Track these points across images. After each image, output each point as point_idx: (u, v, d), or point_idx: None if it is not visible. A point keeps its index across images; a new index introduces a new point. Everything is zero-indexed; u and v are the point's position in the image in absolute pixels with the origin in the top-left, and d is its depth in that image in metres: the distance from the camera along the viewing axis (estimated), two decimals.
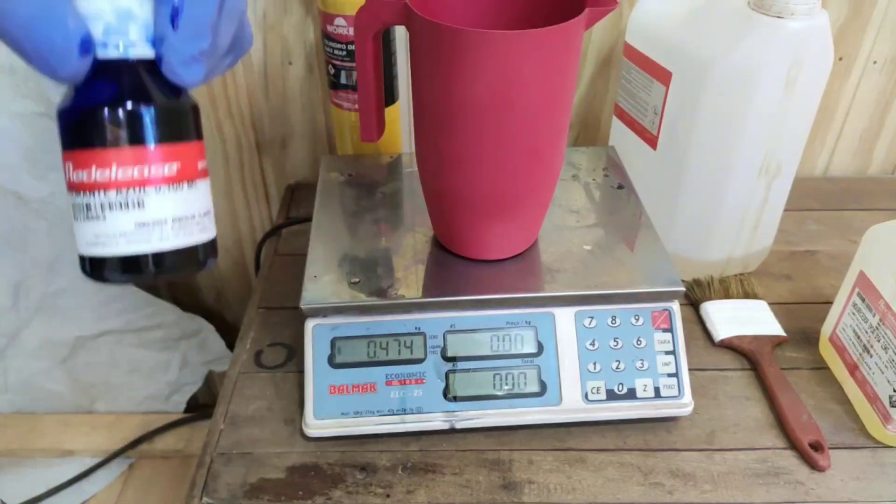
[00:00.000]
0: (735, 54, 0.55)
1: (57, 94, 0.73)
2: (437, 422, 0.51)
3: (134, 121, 0.26)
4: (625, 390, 0.52)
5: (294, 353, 0.59)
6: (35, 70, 0.25)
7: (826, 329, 0.59)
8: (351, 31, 0.62)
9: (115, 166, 0.26)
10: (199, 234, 0.28)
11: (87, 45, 0.26)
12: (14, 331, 0.90)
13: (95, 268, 0.27)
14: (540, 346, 0.52)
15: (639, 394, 0.52)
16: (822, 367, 0.58)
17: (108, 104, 0.26)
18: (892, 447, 0.52)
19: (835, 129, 0.84)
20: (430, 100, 0.47)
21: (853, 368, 0.55)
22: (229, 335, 1.01)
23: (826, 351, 0.59)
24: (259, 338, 0.61)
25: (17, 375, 0.95)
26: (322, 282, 0.52)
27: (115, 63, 0.27)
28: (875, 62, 0.79)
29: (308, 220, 0.59)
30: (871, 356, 0.52)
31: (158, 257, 0.27)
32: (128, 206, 0.27)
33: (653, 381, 0.52)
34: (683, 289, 0.52)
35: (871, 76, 0.80)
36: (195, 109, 0.29)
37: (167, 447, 0.98)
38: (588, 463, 0.51)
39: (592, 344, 0.52)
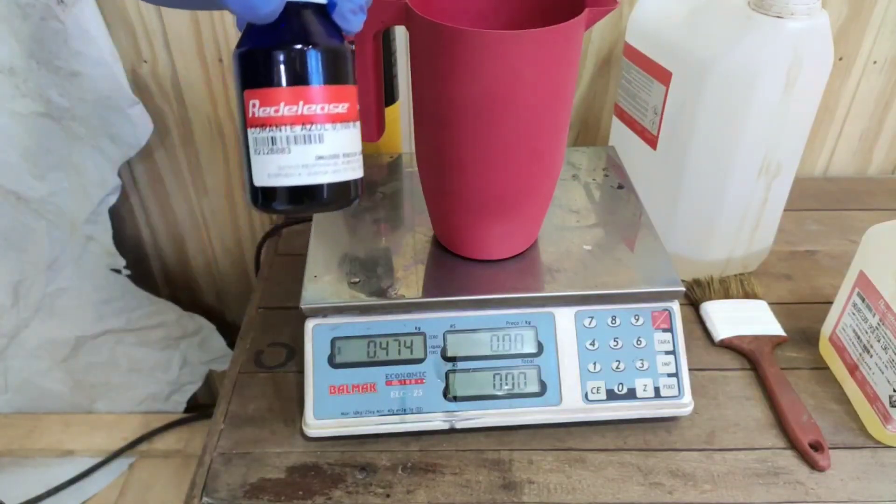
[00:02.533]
0: (735, 54, 0.55)
1: (57, 93, 0.74)
2: (437, 422, 0.51)
3: (323, 59, 0.28)
4: (625, 390, 0.52)
5: (294, 353, 0.59)
6: (231, 8, 0.26)
7: (826, 329, 0.59)
8: None
9: (302, 103, 0.28)
10: (358, 170, 0.31)
11: None
12: (14, 331, 0.89)
13: (270, 198, 0.29)
14: (540, 346, 0.52)
15: (639, 394, 0.52)
16: (822, 367, 0.58)
17: (298, 45, 0.28)
18: (892, 447, 0.52)
19: (835, 129, 0.84)
20: (430, 100, 0.47)
21: (853, 368, 0.55)
22: (229, 335, 1.01)
23: (826, 351, 0.59)
24: (259, 338, 0.61)
25: (17, 375, 0.95)
26: (322, 282, 0.52)
27: (297, 6, 0.28)
28: (875, 62, 0.79)
29: (308, 220, 0.59)
30: (871, 356, 0.52)
31: (331, 188, 0.30)
32: (310, 139, 0.29)
33: (653, 381, 0.52)
34: (683, 289, 0.52)
35: (871, 76, 0.80)
36: (353, 55, 0.31)
37: (167, 447, 0.98)
38: (588, 463, 0.51)
39: (592, 344, 0.52)
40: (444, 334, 0.51)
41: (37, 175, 0.79)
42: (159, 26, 0.74)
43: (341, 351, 0.51)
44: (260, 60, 0.28)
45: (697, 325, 0.62)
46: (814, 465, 0.50)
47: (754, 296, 0.64)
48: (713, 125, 0.58)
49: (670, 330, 0.52)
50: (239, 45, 0.29)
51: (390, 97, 0.68)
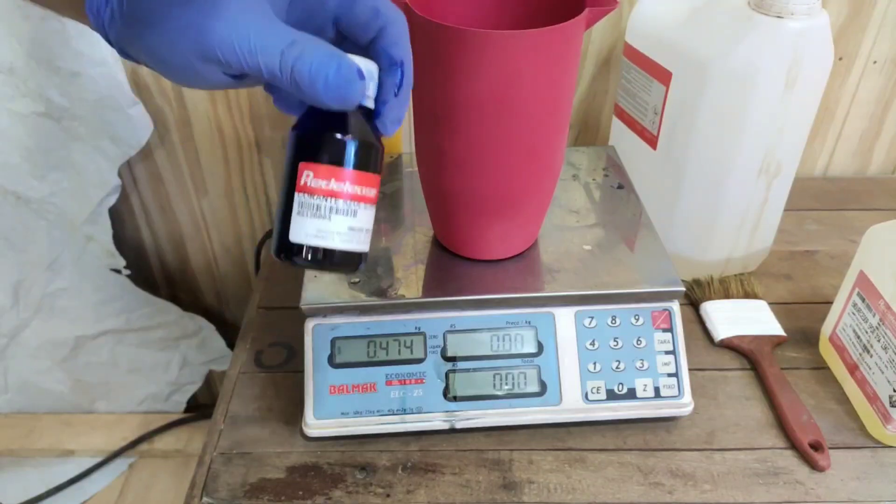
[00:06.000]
0: (735, 54, 0.55)
1: (57, 93, 0.74)
2: (437, 422, 0.51)
3: (367, 152, 0.35)
4: (625, 390, 0.52)
5: (294, 353, 0.59)
6: (322, 98, 0.33)
7: (826, 329, 0.59)
8: None
9: (348, 182, 0.35)
10: (368, 244, 0.37)
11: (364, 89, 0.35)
12: (14, 331, 0.90)
13: (299, 253, 0.35)
14: (540, 346, 0.52)
15: (639, 394, 0.52)
16: (822, 367, 0.58)
17: (356, 135, 0.35)
18: (892, 447, 0.52)
19: (835, 129, 0.84)
20: (431, 100, 0.47)
21: (853, 368, 0.55)
22: (229, 335, 1.01)
23: (826, 351, 0.59)
24: (259, 338, 0.61)
25: (17, 375, 0.95)
26: (322, 282, 0.52)
27: (360, 107, 0.35)
28: (875, 62, 0.79)
29: None
30: (871, 356, 0.52)
31: (351, 255, 0.36)
32: (347, 213, 0.35)
33: (653, 381, 0.52)
34: (683, 289, 0.52)
35: (871, 76, 0.80)
36: (382, 150, 0.37)
37: (167, 447, 0.98)
38: (588, 463, 0.51)
39: (592, 344, 0.52)
40: (444, 334, 0.51)
41: (37, 175, 0.79)
42: None
43: (341, 351, 0.51)
44: (323, 141, 0.34)
45: (697, 325, 0.62)
46: (814, 465, 0.50)
47: (754, 296, 0.64)
48: (713, 125, 0.58)
49: (670, 330, 0.52)
50: (302, 124, 0.35)
51: None
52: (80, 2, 0.34)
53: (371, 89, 0.35)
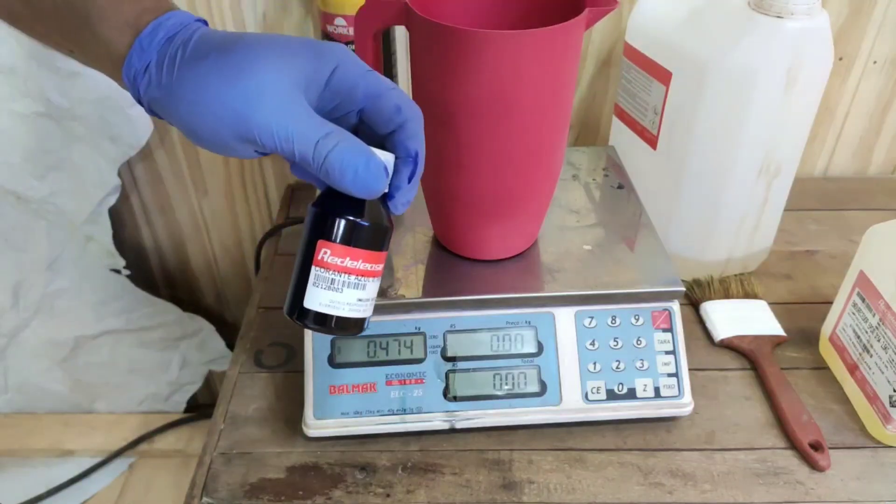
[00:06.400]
0: (735, 54, 0.55)
1: (57, 93, 0.74)
2: (437, 422, 0.51)
3: (380, 234, 0.39)
4: (625, 390, 0.52)
5: (294, 353, 0.59)
6: (348, 187, 0.36)
7: (826, 329, 0.59)
8: (351, 31, 0.62)
9: (361, 260, 0.38)
10: (371, 310, 0.41)
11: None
12: (14, 331, 0.89)
13: (310, 318, 0.38)
14: (540, 346, 0.52)
15: (639, 394, 0.52)
16: (822, 367, 0.58)
17: (371, 219, 0.38)
18: (892, 447, 0.52)
19: (835, 129, 0.84)
20: (430, 100, 0.47)
21: (853, 368, 0.55)
22: (229, 335, 1.01)
23: (826, 351, 0.59)
24: (259, 338, 0.61)
25: (17, 375, 0.95)
26: None
27: None
28: (875, 62, 0.79)
29: None
30: (871, 356, 0.52)
31: (357, 321, 0.40)
32: (357, 287, 0.39)
33: (653, 381, 0.52)
34: (683, 289, 0.52)
35: (871, 76, 0.80)
36: (392, 230, 0.41)
37: (167, 447, 0.98)
38: (588, 463, 0.51)
39: (592, 344, 0.52)
40: (444, 334, 0.51)
41: (37, 175, 0.79)
42: None
43: (341, 351, 0.51)
44: (342, 224, 0.37)
45: (697, 325, 0.62)
46: (814, 465, 0.50)
47: (754, 296, 0.64)
48: (713, 125, 0.58)
49: (670, 330, 0.52)
50: (323, 204, 0.38)
51: None
52: (115, 70, 0.36)
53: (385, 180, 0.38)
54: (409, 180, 0.39)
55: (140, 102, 0.37)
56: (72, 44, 0.37)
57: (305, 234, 0.39)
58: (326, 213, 0.38)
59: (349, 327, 0.40)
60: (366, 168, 0.35)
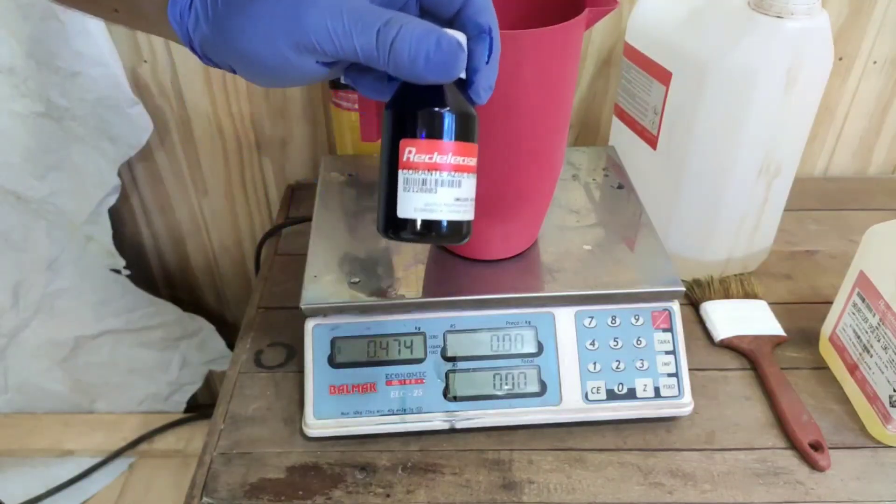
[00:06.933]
0: (735, 54, 0.55)
1: (57, 93, 0.74)
2: (437, 422, 0.51)
3: (466, 122, 0.35)
4: (625, 390, 0.52)
5: (294, 353, 0.59)
6: (423, 74, 0.32)
7: (826, 329, 0.59)
8: None
9: (451, 154, 0.35)
10: (472, 212, 0.38)
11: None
12: (14, 331, 0.90)
13: (410, 229, 0.35)
14: (540, 346, 0.52)
15: (639, 394, 0.52)
16: (822, 367, 0.58)
17: (454, 107, 0.35)
18: (892, 447, 0.52)
19: (835, 129, 0.84)
20: None
21: (853, 368, 0.55)
22: (229, 335, 1.01)
23: (826, 351, 0.59)
24: (259, 338, 0.61)
25: (17, 375, 0.95)
26: (322, 282, 0.52)
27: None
28: (875, 62, 0.79)
29: (308, 220, 0.59)
30: (871, 356, 0.52)
31: (459, 225, 0.36)
32: (452, 184, 0.35)
33: (653, 381, 0.52)
34: (683, 289, 0.52)
35: (871, 76, 0.80)
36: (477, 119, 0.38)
37: (167, 447, 0.98)
38: (588, 463, 0.51)
39: (592, 344, 0.52)
40: (444, 334, 0.51)
41: (37, 175, 0.79)
42: None
43: (341, 351, 0.51)
44: (423, 117, 0.34)
45: (697, 325, 0.62)
46: (814, 465, 0.50)
47: (754, 296, 0.64)
48: (713, 125, 0.58)
49: (670, 330, 0.52)
50: (398, 102, 0.36)
51: None
52: (161, 15, 0.34)
53: (462, 60, 0.35)
54: (488, 60, 0.35)
55: (193, 50, 0.35)
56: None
57: (386, 141, 0.36)
58: (405, 109, 0.35)
59: (452, 233, 0.36)
60: (437, 48, 0.32)
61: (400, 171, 0.35)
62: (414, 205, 0.35)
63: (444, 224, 0.36)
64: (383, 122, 0.36)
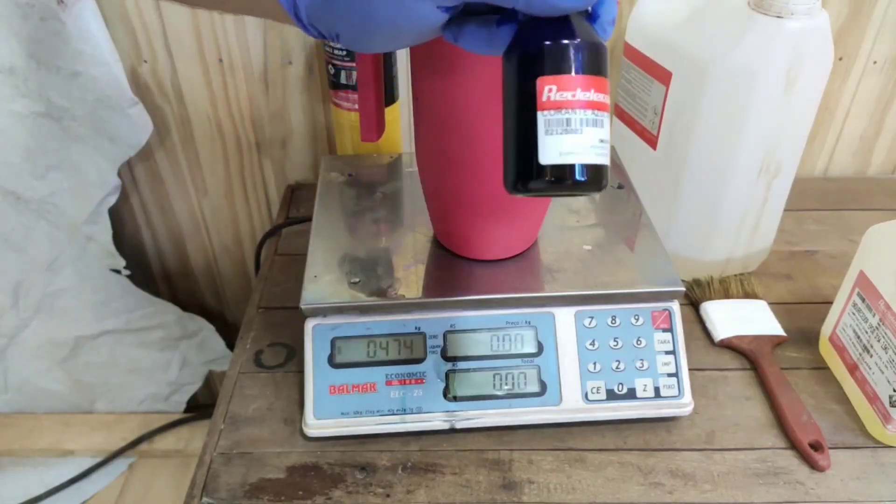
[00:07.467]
0: (735, 54, 0.55)
1: (57, 93, 0.74)
2: (437, 422, 0.51)
3: (600, 55, 0.33)
4: (625, 390, 0.52)
5: (294, 353, 0.59)
6: (559, 8, 0.30)
7: (826, 329, 0.59)
8: None
9: (594, 90, 0.32)
10: (609, 159, 0.35)
11: None
12: (14, 331, 0.90)
13: (551, 175, 0.32)
14: (540, 346, 0.52)
15: (639, 394, 0.52)
16: (822, 367, 0.58)
17: (588, 39, 0.32)
18: (892, 447, 0.52)
19: (835, 129, 0.84)
20: (430, 100, 0.47)
21: (853, 368, 0.55)
22: (229, 335, 1.01)
23: (826, 351, 0.59)
24: (259, 338, 0.61)
25: (17, 375, 0.95)
26: (322, 282, 0.52)
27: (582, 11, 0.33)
28: (875, 62, 0.79)
29: (308, 220, 0.59)
30: (871, 356, 0.52)
31: (601, 169, 0.33)
32: (596, 123, 0.32)
33: (653, 381, 0.52)
34: (683, 289, 0.52)
35: (871, 76, 0.80)
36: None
37: (167, 447, 0.98)
38: (588, 463, 0.51)
39: (592, 344, 0.52)
40: (444, 334, 0.51)
41: (37, 175, 0.79)
42: (159, 26, 0.74)
43: (341, 351, 0.51)
44: (562, 51, 0.32)
45: (697, 325, 0.62)
46: (814, 465, 0.50)
47: (754, 296, 0.64)
48: (713, 125, 0.58)
49: (670, 330, 0.52)
50: (526, 40, 0.33)
51: (390, 97, 0.68)
52: None
53: None
54: None
55: (297, 16, 0.33)
56: None
57: (514, 87, 0.33)
58: (538, 46, 0.32)
59: (597, 178, 0.33)
60: None
61: (539, 114, 0.32)
62: (559, 148, 0.32)
63: (590, 168, 0.33)
64: (505, 71, 0.33)
